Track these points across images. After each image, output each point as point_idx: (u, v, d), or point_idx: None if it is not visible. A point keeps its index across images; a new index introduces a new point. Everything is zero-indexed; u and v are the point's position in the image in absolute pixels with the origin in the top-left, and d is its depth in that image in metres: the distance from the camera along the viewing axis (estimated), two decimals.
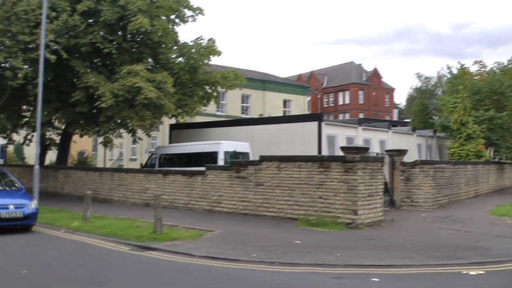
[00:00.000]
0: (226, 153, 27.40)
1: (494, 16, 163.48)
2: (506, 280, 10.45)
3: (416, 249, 12.99)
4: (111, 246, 13.71)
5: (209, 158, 27.17)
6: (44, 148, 32.56)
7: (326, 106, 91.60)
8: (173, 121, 35.91)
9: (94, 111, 27.99)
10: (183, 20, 30.09)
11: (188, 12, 30.28)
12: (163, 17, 28.41)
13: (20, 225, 15.83)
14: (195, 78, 30.59)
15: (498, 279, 10.42)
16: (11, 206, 15.58)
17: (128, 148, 54.75)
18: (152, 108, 27.48)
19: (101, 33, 26.83)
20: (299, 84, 66.06)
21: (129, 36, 28.33)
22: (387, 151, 25.48)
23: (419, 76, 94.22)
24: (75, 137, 35.43)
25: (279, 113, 51.54)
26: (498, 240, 14.98)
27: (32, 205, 16.28)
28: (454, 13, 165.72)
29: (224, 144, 27.92)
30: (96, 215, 18.39)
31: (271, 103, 52.65)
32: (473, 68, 43.86)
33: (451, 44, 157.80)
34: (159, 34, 27.47)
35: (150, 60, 29.95)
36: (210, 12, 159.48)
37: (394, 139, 36.94)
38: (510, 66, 41.80)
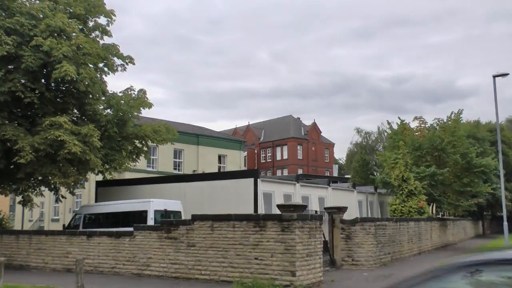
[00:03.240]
0: (156, 212, 26.28)
1: (433, 72, 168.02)
2: None
3: None
4: None
5: (138, 217, 26.00)
6: None
7: (263, 161, 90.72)
8: (99, 177, 34.26)
9: (12, 167, 26.16)
10: (112, 69, 28.88)
11: (118, 61, 29.19)
12: (91, 65, 26.97)
13: None
14: (124, 131, 29.14)
15: None
16: None
17: (50, 208, 52.65)
18: (77, 164, 26.00)
19: (22, 81, 25.07)
20: (235, 138, 65.66)
21: (53, 84, 26.73)
22: (326, 208, 25.48)
23: (359, 131, 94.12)
24: None
25: (214, 169, 50.73)
26: None
27: None
28: (394, 67, 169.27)
29: (154, 203, 26.80)
30: (9, 284, 16.88)
31: (205, 159, 51.69)
32: (413, 124, 44.15)
33: (392, 99, 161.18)
34: (86, 83, 25.84)
35: (75, 111, 28.40)
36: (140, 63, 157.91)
37: (333, 196, 36.65)
38: (449, 123, 42.09)
